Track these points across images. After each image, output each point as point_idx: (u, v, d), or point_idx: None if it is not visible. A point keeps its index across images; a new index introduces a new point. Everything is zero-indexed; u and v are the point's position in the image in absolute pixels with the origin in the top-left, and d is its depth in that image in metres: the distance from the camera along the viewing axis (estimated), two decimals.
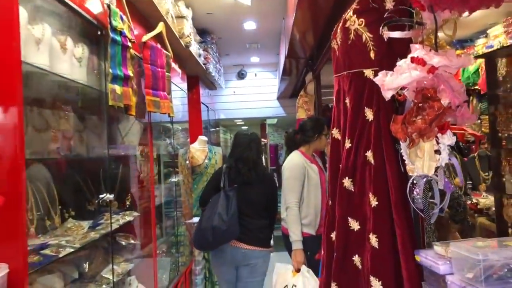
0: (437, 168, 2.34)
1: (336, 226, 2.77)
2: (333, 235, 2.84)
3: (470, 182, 5.56)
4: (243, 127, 16.57)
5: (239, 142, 4.44)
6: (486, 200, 4.95)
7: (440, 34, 2.45)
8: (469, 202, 4.82)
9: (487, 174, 5.52)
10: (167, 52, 4.61)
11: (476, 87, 5.81)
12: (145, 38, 4.12)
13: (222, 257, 4.27)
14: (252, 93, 12.10)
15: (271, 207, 4.42)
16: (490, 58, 2.88)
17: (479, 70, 5.62)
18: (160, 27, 4.51)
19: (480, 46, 5.73)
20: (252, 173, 4.28)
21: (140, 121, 4.19)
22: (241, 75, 12.04)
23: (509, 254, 2.01)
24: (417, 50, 2.20)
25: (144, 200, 4.24)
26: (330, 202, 2.92)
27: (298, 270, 4.08)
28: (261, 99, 12.11)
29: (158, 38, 4.52)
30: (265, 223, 4.34)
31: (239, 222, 4.10)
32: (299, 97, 7.30)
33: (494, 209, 4.42)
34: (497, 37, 5.29)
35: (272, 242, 4.51)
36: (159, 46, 4.40)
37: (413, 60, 2.17)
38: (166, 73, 4.51)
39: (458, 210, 3.37)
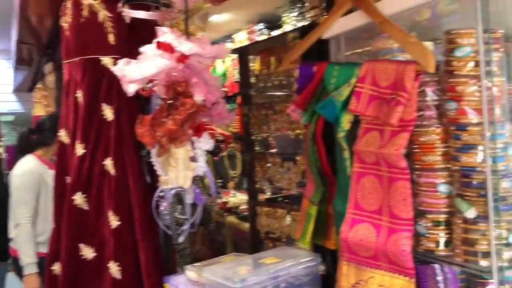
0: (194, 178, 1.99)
1: (62, 256, 2.15)
2: (56, 268, 2.20)
3: (221, 180, 5.60)
4: None
5: None
6: (234, 198, 5.02)
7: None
8: (219, 201, 4.80)
9: (234, 172, 5.66)
10: None
11: (225, 89, 5.90)
12: None
13: None
14: None
15: None
16: (242, 54, 2.71)
17: (226, 72, 5.75)
18: None
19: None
20: None
21: None
22: None
23: (266, 274, 1.78)
24: (164, 34, 1.78)
25: None
26: (54, 225, 2.26)
27: None
28: None
29: None
30: None
31: None
32: (36, 90, 6.22)
33: (242, 207, 4.47)
34: (241, 43, 5.46)
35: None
36: None
37: (159, 45, 1.74)
38: None
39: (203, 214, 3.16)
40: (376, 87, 1.48)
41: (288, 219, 2.40)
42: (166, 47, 1.71)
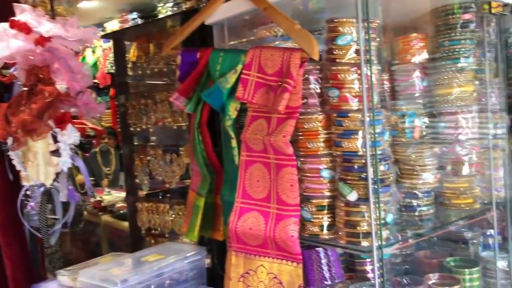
0: (58, 174, 1.79)
1: None
2: None
3: (93, 178, 5.26)
4: None
5: None
6: (109, 196, 4.75)
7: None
8: (92, 200, 4.51)
9: (108, 169, 5.36)
10: None
11: (95, 80, 5.53)
12: None
13: None
14: None
15: None
16: (117, 39, 2.53)
17: (97, 63, 5.40)
18: None
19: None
20: None
21: None
22: None
23: (149, 272, 1.68)
24: (23, 13, 1.56)
25: None
26: None
27: None
28: None
29: None
30: None
31: None
32: None
33: (119, 205, 4.24)
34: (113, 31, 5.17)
35: None
36: None
37: (13, 24, 1.53)
38: None
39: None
40: (263, 74, 1.47)
41: (171, 213, 2.31)
42: (21, 27, 1.51)
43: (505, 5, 1.79)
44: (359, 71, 1.37)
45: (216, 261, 2.05)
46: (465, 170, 1.78)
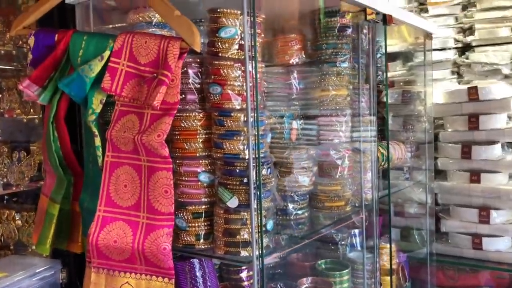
0: None
1: None
2: None
3: None
4: None
5: None
6: None
7: None
8: None
9: None
10: None
11: None
12: None
13: None
14: None
15: None
16: None
17: None
18: None
19: None
20: None
21: None
22: None
23: None
24: None
25: None
26: None
27: None
28: None
29: None
30: None
31: None
32: None
33: None
34: None
35: None
36: None
37: None
38: None
39: None
40: (135, 64, 1.29)
41: (18, 221, 1.97)
42: None
43: (377, 13, 1.84)
44: (243, 68, 1.27)
45: (73, 276, 1.79)
46: (338, 173, 1.80)
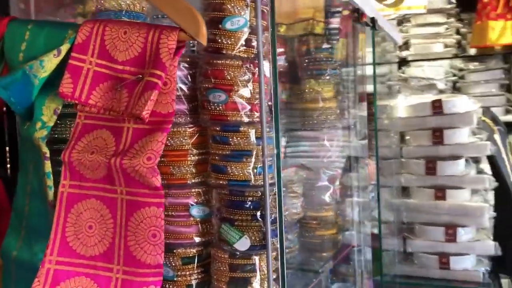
0: None
1: None
2: None
3: None
4: None
5: None
6: None
7: None
8: None
9: None
10: None
11: None
12: None
13: None
14: None
15: None
16: None
17: None
18: None
19: None
20: None
21: None
22: None
23: None
24: None
25: None
26: None
27: None
28: None
29: None
30: None
31: None
32: None
33: None
34: None
35: None
36: None
37: None
38: None
39: None
40: (108, 62, 0.95)
41: None
42: None
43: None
44: (254, 70, 0.98)
45: None
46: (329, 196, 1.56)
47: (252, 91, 0.99)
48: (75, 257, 0.93)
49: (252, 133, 0.99)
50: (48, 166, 0.97)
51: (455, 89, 3.70)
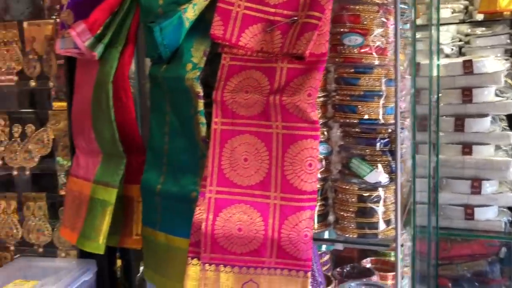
0: None
1: None
2: None
3: None
4: None
5: None
6: None
7: None
8: None
9: None
10: None
11: None
12: None
13: None
14: None
15: None
16: None
17: None
18: None
19: None
20: None
21: None
22: None
23: None
24: None
25: None
26: None
27: None
28: None
29: None
30: None
31: None
32: None
33: None
34: None
35: None
36: None
37: None
38: None
39: None
40: (259, 4, 1.01)
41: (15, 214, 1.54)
42: None
43: None
44: (387, 16, 1.06)
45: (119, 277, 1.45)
46: None
47: (385, 35, 1.07)
48: (233, 187, 1.02)
49: (383, 75, 1.07)
50: (201, 105, 1.04)
51: (461, 54, 3.82)
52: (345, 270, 1.58)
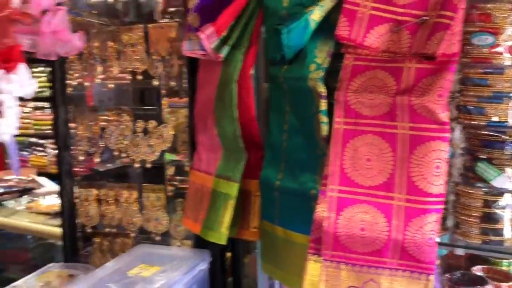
0: None
1: None
2: None
3: None
4: None
5: None
6: None
7: None
8: None
9: None
10: None
11: None
12: None
13: None
14: None
15: None
16: None
17: None
18: None
19: None
20: None
21: None
22: None
23: None
24: None
25: None
26: None
27: None
28: None
29: None
30: None
31: None
32: None
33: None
34: None
35: None
36: None
37: None
38: None
39: None
40: (386, 5, 1.02)
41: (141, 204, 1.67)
42: None
43: None
44: None
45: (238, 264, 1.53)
46: None
47: None
48: (355, 187, 1.03)
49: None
50: (323, 104, 1.06)
51: None
52: (454, 277, 1.53)
